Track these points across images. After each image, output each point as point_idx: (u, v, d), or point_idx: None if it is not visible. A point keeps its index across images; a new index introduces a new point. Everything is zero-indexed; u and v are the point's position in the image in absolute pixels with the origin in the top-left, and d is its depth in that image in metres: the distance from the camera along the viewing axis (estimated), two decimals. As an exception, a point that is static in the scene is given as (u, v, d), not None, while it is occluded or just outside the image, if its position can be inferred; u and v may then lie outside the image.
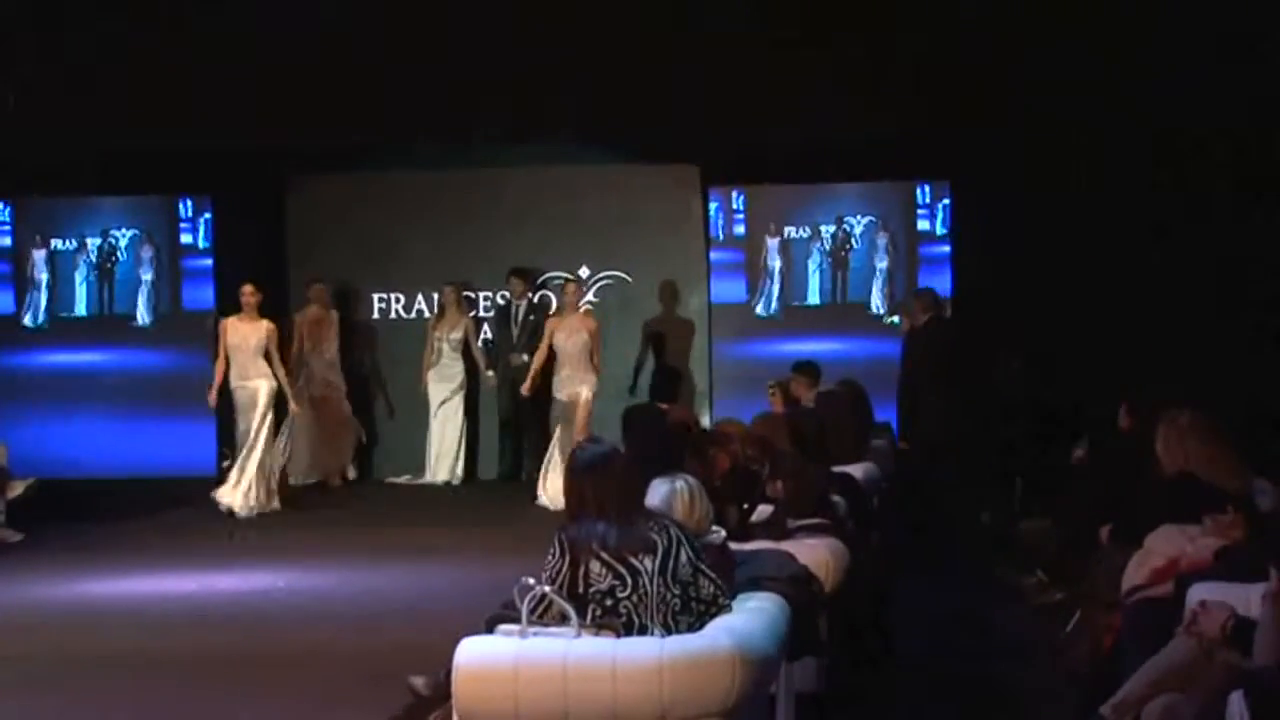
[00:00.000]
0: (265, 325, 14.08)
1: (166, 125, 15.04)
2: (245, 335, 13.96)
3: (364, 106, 15.07)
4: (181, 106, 14.97)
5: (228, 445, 14.80)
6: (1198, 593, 6.24)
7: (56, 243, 16.50)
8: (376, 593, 10.38)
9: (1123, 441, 9.59)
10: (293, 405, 14.48)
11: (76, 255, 16.46)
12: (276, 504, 14.01)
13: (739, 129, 15.08)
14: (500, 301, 16.01)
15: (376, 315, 16.46)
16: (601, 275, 16.29)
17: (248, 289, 14.14)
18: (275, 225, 16.48)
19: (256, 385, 13.93)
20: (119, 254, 16.51)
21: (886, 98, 14.57)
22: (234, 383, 13.95)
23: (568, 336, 14.47)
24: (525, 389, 14.98)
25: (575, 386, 14.34)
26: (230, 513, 13.63)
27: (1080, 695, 6.64)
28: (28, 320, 16.46)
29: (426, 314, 16.25)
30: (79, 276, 16.47)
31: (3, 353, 16.39)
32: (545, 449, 14.52)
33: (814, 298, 16.00)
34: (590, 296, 16.16)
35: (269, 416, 13.94)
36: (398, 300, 16.51)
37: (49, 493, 13.49)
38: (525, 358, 15.26)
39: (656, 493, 6.17)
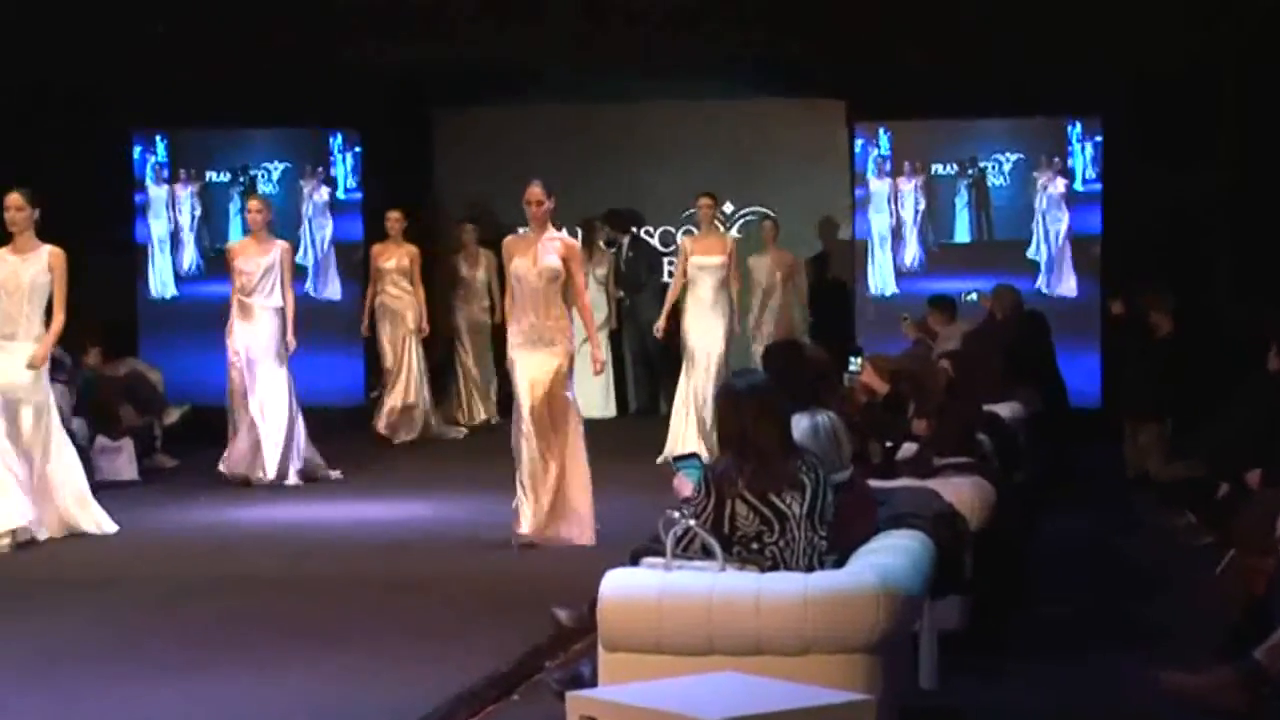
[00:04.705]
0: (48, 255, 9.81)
1: (317, 59, 15.20)
2: (14, 271, 9.79)
3: (510, 39, 15.12)
4: (331, 40, 15.12)
5: (377, 376, 15.00)
6: (1353, 537, 6.13)
7: (210, 175, 16.78)
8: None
9: (1275, 382, 9.42)
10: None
11: (229, 188, 16.72)
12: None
13: (885, 63, 14.91)
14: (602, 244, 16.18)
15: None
16: (745, 210, 16.27)
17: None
18: (423, 158, 16.63)
19: (21, 348, 9.70)
20: (271, 186, 16.75)
21: (1036, 31, 14.33)
22: None
23: (531, 265, 9.56)
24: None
25: (543, 348, 9.47)
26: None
27: (1231, 639, 6.55)
28: (185, 251, 16.76)
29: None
30: (233, 209, 16.73)
31: (158, 283, 16.71)
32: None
33: (962, 235, 15.85)
34: (734, 231, 16.13)
35: (50, 406, 9.87)
36: (542, 234, 16.57)
37: (202, 420, 13.76)
38: (620, 294, 16.03)
39: (798, 426, 6.14)
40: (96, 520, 10.00)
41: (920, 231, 15.81)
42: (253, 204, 12.55)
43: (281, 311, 12.11)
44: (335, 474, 12.29)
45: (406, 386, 14.46)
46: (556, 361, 9.45)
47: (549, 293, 9.49)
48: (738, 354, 13.19)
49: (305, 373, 15.97)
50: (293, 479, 11.91)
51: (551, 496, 9.42)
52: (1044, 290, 15.41)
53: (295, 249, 16.39)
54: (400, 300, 14.51)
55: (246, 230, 12.94)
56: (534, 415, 9.39)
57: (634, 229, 16.34)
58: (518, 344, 9.51)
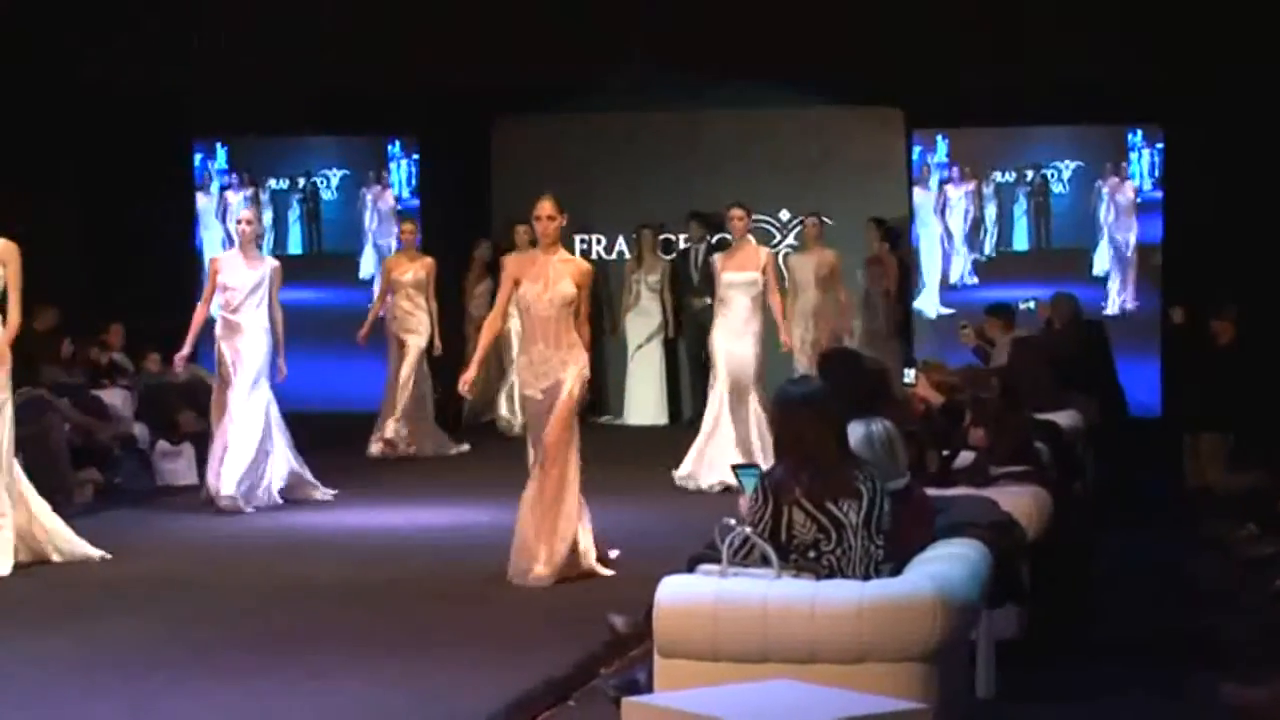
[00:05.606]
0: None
1: (376, 66, 15.29)
2: None
3: (568, 47, 15.16)
4: (390, 47, 15.20)
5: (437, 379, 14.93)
6: None
7: (271, 182, 16.90)
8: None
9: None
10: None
11: (289, 194, 16.83)
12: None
13: (943, 71, 14.87)
14: (682, 244, 16.08)
15: (577, 257, 16.58)
16: (800, 218, 16.20)
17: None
18: (480, 166, 16.69)
19: None
20: (331, 193, 16.86)
21: (1096, 39, 14.26)
22: None
23: (543, 291, 8.72)
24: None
25: (552, 374, 8.66)
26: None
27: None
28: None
29: (627, 255, 16.36)
30: (292, 216, 16.85)
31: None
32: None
33: (1021, 243, 15.79)
34: (790, 239, 16.09)
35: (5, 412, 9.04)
36: (598, 241, 16.62)
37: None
38: (708, 301, 14.98)
39: (853, 435, 6.12)
40: None
41: (969, 241, 15.75)
42: (244, 215, 11.64)
43: (269, 331, 11.27)
44: (326, 493, 11.66)
45: (404, 405, 13.75)
46: (567, 383, 8.58)
47: (561, 319, 8.66)
48: (772, 365, 12.21)
49: (362, 377, 16.15)
50: (256, 502, 11.09)
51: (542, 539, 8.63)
52: (1104, 302, 15.33)
53: (359, 256, 16.64)
54: (412, 318, 13.77)
55: (232, 239, 12.60)
56: (538, 460, 8.64)
57: (710, 238, 16.08)
58: (526, 380, 8.74)
